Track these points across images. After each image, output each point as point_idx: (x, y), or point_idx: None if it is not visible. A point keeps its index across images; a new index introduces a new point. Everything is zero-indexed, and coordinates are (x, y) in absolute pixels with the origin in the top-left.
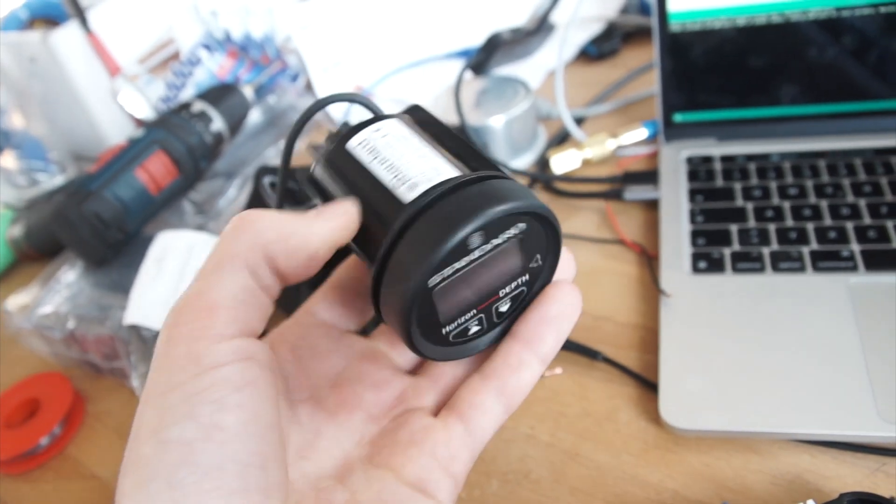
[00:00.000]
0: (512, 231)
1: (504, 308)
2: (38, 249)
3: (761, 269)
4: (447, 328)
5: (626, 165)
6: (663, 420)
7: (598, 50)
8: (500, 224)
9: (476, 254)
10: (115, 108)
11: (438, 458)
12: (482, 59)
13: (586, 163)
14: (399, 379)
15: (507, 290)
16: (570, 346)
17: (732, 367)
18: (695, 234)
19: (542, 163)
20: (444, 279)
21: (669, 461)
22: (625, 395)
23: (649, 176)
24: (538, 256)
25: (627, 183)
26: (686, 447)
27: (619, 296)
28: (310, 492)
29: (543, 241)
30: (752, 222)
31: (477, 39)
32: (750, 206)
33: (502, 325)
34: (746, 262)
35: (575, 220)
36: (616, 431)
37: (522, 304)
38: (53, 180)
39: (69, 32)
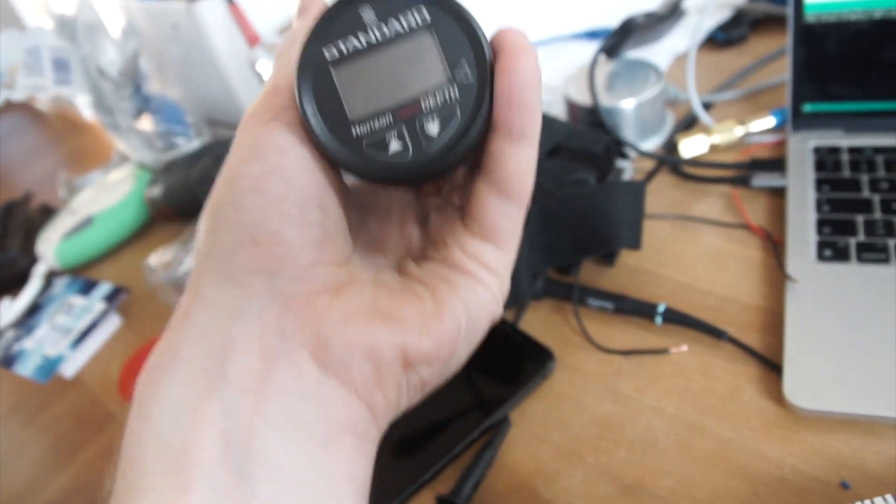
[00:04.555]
0: (413, 18)
1: (433, 128)
2: (176, 209)
3: (886, 261)
4: (357, 128)
5: (751, 152)
6: (787, 400)
7: (726, 36)
8: (393, 2)
9: (374, 33)
10: (252, 76)
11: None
12: (615, 42)
13: (713, 148)
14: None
15: (431, 102)
16: (697, 325)
17: (857, 352)
18: (821, 223)
19: (670, 146)
20: (341, 55)
21: (790, 439)
22: (748, 375)
23: (776, 164)
24: (466, 70)
25: (755, 170)
26: (806, 427)
27: (744, 278)
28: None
29: (468, 49)
30: (878, 214)
31: (601, 21)
32: (877, 198)
33: (440, 156)
34: (872, 252)
35: (701, 203)
36: (739, 408)
37: (461, 131)
38: (190, 144)
39: (212, 2)
